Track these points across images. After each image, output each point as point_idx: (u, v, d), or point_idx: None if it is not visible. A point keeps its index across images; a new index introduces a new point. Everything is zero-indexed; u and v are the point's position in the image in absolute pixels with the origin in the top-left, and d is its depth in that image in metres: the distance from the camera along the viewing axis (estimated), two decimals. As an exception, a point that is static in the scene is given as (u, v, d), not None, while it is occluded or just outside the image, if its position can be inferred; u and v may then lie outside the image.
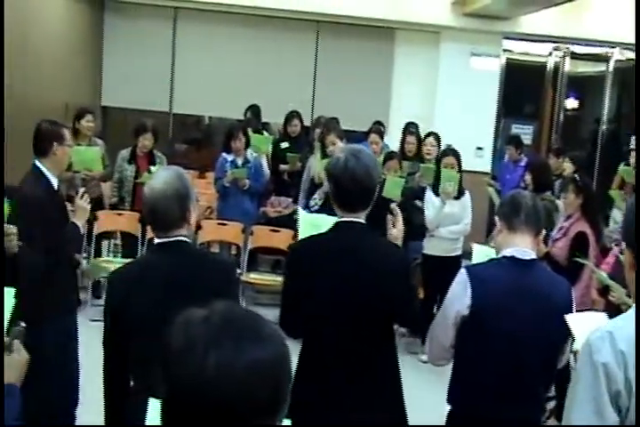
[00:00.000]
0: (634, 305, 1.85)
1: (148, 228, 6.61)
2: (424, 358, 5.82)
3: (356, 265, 2.77)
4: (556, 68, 10.60)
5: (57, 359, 3.54)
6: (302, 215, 3.68)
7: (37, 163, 3.94)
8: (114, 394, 2.64)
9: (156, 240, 2.63)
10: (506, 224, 2.87)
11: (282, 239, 6.85)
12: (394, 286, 2.77)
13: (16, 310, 2.08)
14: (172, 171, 2.64)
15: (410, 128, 8.05)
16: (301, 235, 3.21)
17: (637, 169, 6.85)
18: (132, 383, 2.62)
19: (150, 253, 2.78)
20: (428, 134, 7.33)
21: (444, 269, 5.54)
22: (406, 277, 2.85)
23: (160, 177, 2.61)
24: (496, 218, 2.94)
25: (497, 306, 2.75)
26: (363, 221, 2.85)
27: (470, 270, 2.85)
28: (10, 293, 2.12)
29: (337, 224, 2.87)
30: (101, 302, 6.71)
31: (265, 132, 8.71)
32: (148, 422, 2.08)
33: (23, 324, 2.00)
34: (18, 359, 1.94)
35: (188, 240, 2.62)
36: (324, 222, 3.11)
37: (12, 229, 3.26)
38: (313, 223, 3.21)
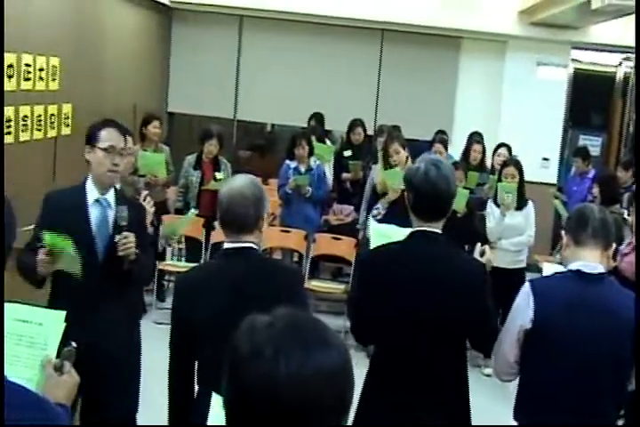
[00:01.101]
0: None
1: (212, 233, 6.79)
2: (487, 371, 5.75)
3: (431, 276, 2.77)
4: (626, 78, 10.38)
5: (123, 363, 3.60)
6: (373, 226, 3.66)
7: None
8: (179, 397, 2.66)
9: (226, 245, 2.65)
10: (573, 238, 2.81)
11: (344, 247, 6.86)
12: (467, 300, 2.76)
13: (65, 332, 2.12)
14: (248, 177, 2.69)
15: (475, 137, 8.00)
16: (373, 245, 3.21)
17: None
18: (196, 387, 2.65)
19: (218, 259, 2.80)
20: (500, 146, 7.30)
21: (508, 281, 5.45)
22: (480, 292, 2.82)
23: (237, 181, 2.65)
24: (562, 232, 2.89)
25: (560, 320, 2.69)
26: (439, 231, 2.85)
27: (534, 284, 2.81)
28: (60, 315, 2.17)
29: (413, 233, 2.87)
30: (166, 305, 6.86)
31: (327, 141, 8.73)
32: (210, 419, 2.11)
33: (74, 344, 2.03)
34: (68, 381, 1.97)
35: (256, 247, 2.63)
36: (395, 233, 3.11)
37: (131, 235, 3.27)
38: (384, 234, 3.20)
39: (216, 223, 6.51)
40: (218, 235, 6.58)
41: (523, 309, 2.75)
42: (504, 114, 9.57)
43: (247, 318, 1.28)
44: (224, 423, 1.28)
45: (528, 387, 2.80)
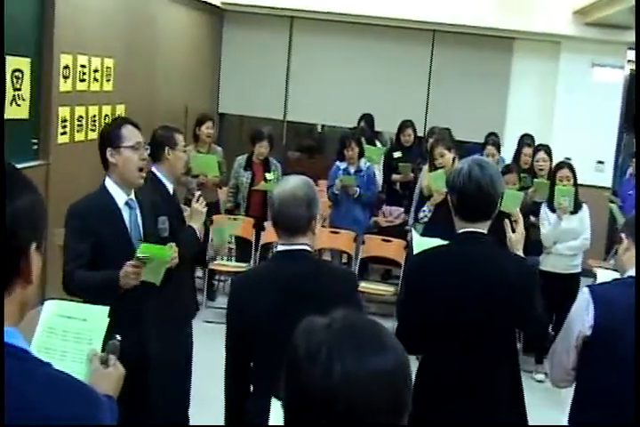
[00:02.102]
0: None
1: (262, 233, 6.82)
2: (538, 377, 5.66)
3: (479, 278, 2.72)
4: (684, 80, 10.13)
5: (172, 361, 3.63)
6: (415, 238, 3.63)
7: (154, 168, 4.04)
8: (234, 396, 2.66)
9: (279, 247, 2.65)
10: (635, 242, 2.75)
11: (393, 249, 6.83)
12: (516, 302, 2.71)
13: (110, 328, 2.15)
14: (300, 178, 2.67)
15: (526, 140, 7.88)
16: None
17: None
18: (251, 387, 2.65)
19: (273, 260, 2.81)
20: (539, 148, 7.03)
21: (562, 287, 5.37)
22: (530, 294, 2.76)
23: (290, 182, 2.64)
24: (622, 235, 2.82)
25: (621, 328, 2.62)
26: (485, 231, 2.80)
27: (593, 290, 2.74)
28: (104, 310, 2.19)
29: (458, 235, 2.83)
30: (215, 304, 6.92)
31: (377, 142, 8.70)
32: (271, 423, 2.12)
33: (119, 337, 2.06)
34: (114, 373, 2.00)
35: (310, 249, 2.62)
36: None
37: (174, 246, 3.30)
38: (426, 245, 3.14)
39: (266, 224, 6.55)
40: (268, 235, 6.61)
41: (582, 315, 2.69)
42: (557, 116, 9.43)
43: (306, 319, 1.29)
44: (282, 424, 1.28)
45: (586, 394, 2.74)
